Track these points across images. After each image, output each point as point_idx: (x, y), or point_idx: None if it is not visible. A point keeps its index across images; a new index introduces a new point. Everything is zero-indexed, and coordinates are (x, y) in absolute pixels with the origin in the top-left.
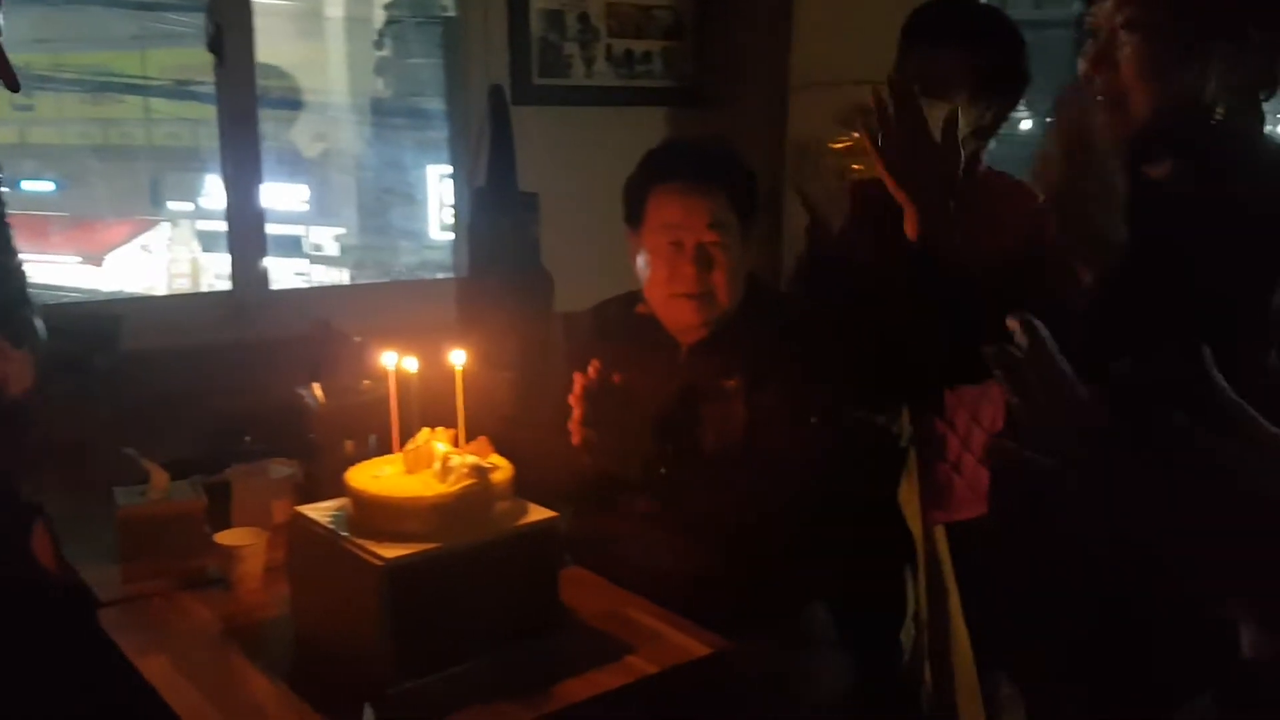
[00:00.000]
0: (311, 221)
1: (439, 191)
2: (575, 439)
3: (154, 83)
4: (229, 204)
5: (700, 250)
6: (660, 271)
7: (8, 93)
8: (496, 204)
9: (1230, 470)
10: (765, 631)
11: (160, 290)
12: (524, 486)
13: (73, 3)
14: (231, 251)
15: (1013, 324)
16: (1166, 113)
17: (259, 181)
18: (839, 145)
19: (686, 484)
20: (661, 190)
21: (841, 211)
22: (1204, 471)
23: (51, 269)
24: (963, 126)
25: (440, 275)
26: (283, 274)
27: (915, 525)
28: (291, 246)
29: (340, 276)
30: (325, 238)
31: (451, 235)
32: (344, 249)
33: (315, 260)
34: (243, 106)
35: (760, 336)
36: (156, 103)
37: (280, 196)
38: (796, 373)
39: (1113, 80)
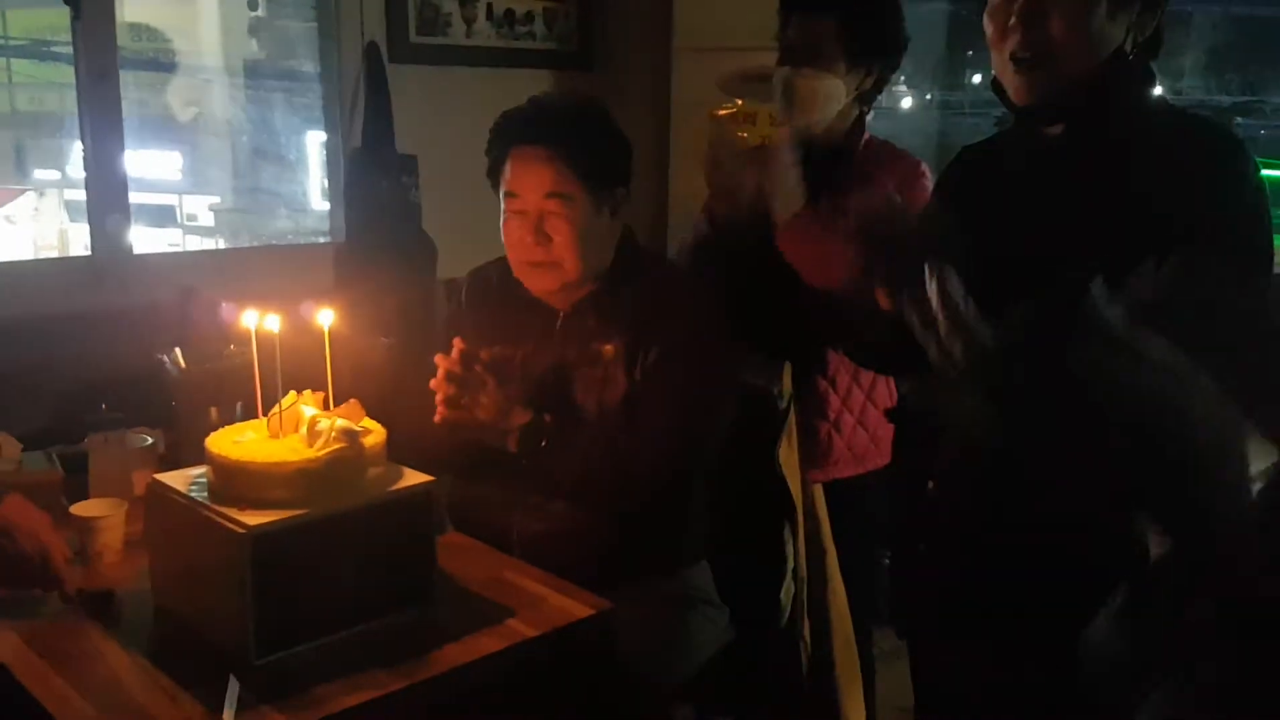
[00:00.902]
0: (185, 190)
1: (317, 157)
2: (438, 417)
3: (13, 43)
4: (87, 164)
5: (541, 219)
6: (508, 238)
7: None
8: (374, 166)
9: (1122, 383)
10: (645, 590)
11: (27, 259)
12: (400, 452)
13: None
14: (90, 214)
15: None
16: (1087, 73)
17: (120, 141)
18: (723, 112)
19: (565, 449)
20: (508, 155)
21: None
22: (1098, 385)
23: None
24: (844, 93)
25: (318, 240)
26: (156, 244)
27: (794, 484)
28: (165, 216)
29: (216, 246)
30: (199, 207)
31: (329, 202)
32: (219, 217)
33: (189, 230)
34: (102, 63)
35: (638, 300)
36: (19, 65)
37: (152, 164)
38: (678, 335)
39: (1040, 37)
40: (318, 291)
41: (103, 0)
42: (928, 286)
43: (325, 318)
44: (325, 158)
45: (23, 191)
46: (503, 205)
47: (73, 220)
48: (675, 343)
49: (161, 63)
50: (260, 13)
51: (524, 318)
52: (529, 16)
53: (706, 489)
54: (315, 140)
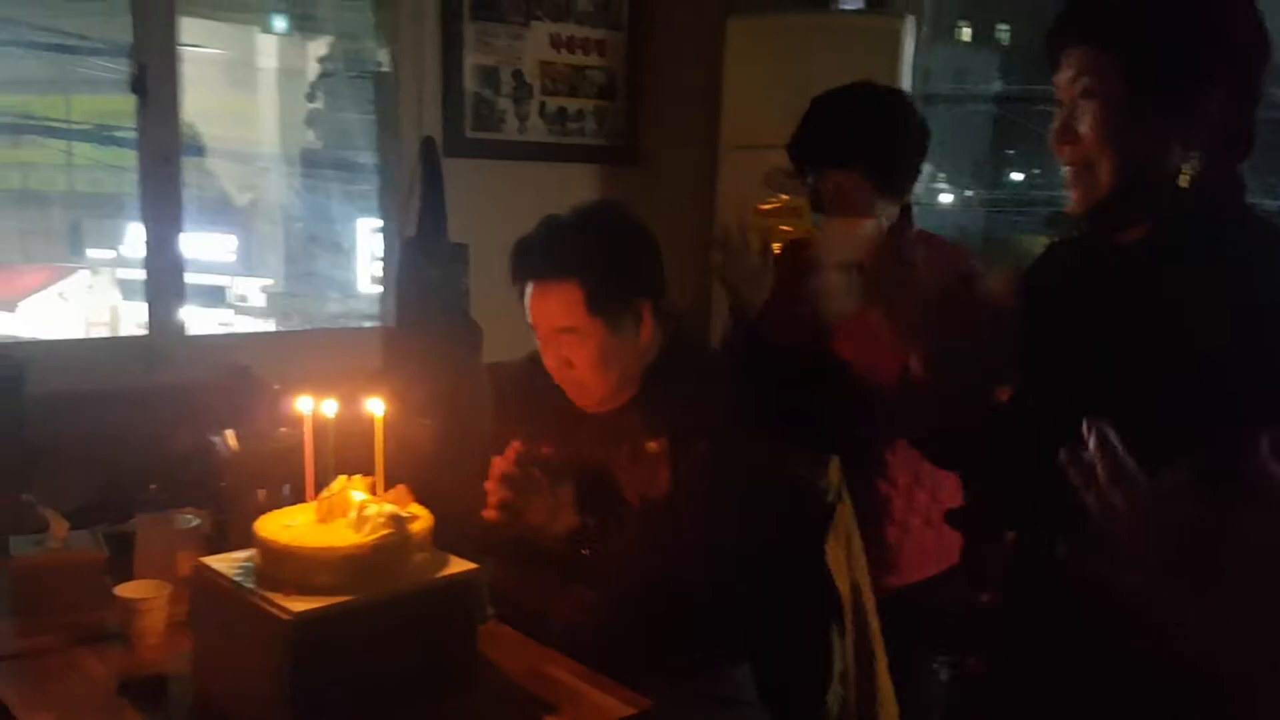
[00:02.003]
0: (238, 272)
1: (368, 243)
2: (489, 515)
3: (76, 127)
4: (148, 246)
5: (557, 346)
6: (543, 358)
7: None
8: (426, 254)
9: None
10: (686, 689)
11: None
12: (444, 538)
13: (23, 46)
14: (148, 295)
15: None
16: (1128, 179)
17: (178, 224)
18: (767, 206)
19: (608, 547)
20: (525, 287)
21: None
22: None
23: None
24: (882, 226)
25: (367, 324)
26: (208, 324)
27: (843, 582)
28: (217, 297)
29: (266, 328)
30: (251, 289)
31: (380, 287)
32: (270, 300)
33: (240, 311)
34: (164, 149)
35: (681, 398)
36: (79, 148)
37: (206, 246)
38: (721, 433)
39: (1078, 149)
40: (366, 374)
41: (168, 90)
42: (1087, 442)
43: (376, 406)
44: (382, 244)
45: (77, 270)
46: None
47: (125, 299)
48: (718, 440)
49: (220, 149)
50: (318, 105)
51: (569, 415)
52: (580, 114)
53: (750, 586)
54: (365, 227)
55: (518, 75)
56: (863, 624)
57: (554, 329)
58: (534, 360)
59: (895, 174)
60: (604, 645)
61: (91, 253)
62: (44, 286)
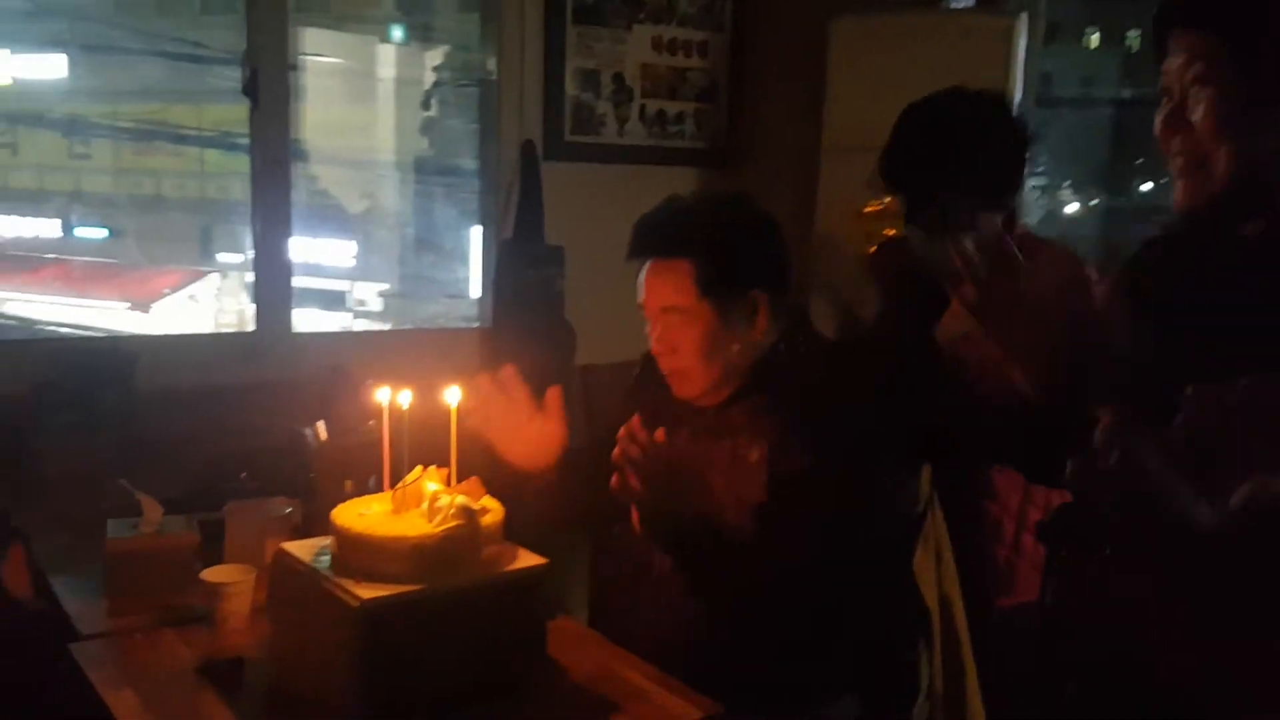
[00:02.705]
0: (356, 277)
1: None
2: (629, 487)
3: (206, 135)
4: (257, 246)
5: (663, 328)
6: (651, 342)
7: (66, 141)
8: (523, 256)
9: None
10: (770, 703)
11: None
12: (520, 530)
13: (133, 55)
14: (256, 291)
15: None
16: (1248, 169)
17: (287, 225)
18: (870, 210)
19: (699, 548)
20: (641, 264)
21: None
22: None
23: (97, 313)
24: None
25: (463, 325)
26: (327, 326)
27: (931, 596)
28: (336, 301)
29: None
30: (369, 293)
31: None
32: (386, 303)
33: (359, 314)
34: (274, 151)
35: (787, 402)
36: (210, 156)
37: (327, 252)
38: (825, 442)
39: (1189, 139)
40: (463, 374)
41: (279, 94)
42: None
43: (452, 395)
44: (481, 248)
45: (207, 273)
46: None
47: (252, 302)
48: (821, 450)
49: (340, 158)
50: (432, 112)
51: (671, 408)
52: (680, 117)
53: (839, 597)
54: (474, 232)
55: (618, 78)
56: (952, 639)
57: (661, 307)
58: (641, 359)
59: (990, 183)
60: (693, 653)
61: (221, 257)
62: (176, 289)
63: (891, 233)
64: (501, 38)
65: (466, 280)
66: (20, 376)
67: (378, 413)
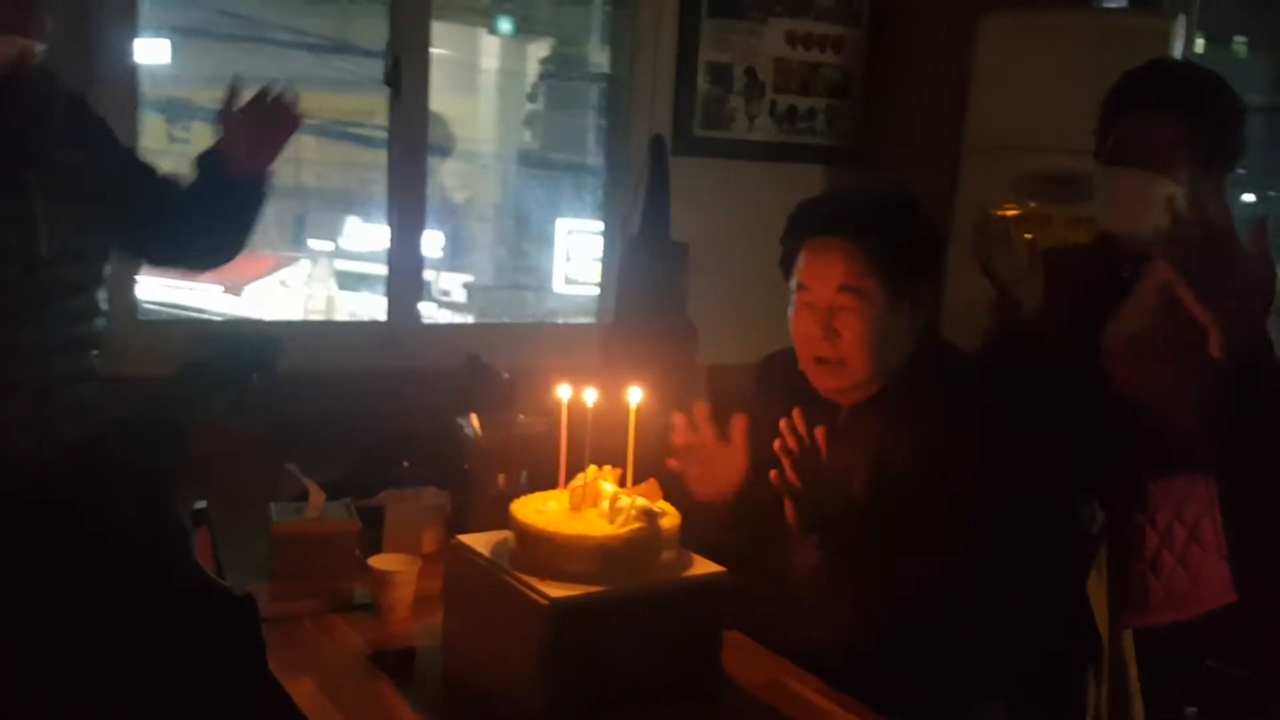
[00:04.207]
0: (443, 267)
1: (579, 243)
2: (789, 482)
3: (309, 123)
4: (393, 238)
5: (830, 314)
6: (796, 330)
7: (166, 124)
8: (649, 253)
9: None
10: (916, 706)
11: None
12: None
13: (235, 40)
14: (390, 283)
15: None
16: None
17: (422, 218)
18: (1009, 213)
19: (839, 551)
20: (803, 245)
21: (1030, 286)
22: None
23: (192, 295)
24: (1180, 199)
25: (583, 320)
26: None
27: (1102, 621)
28: (428, 290)
29: (466, 321)
30: (454, 284)
31: (588, 285)
32: (472, 294)
33: (442, 305)
34: (413, 144)
35: (930, 403)
36: (307, 141)
37: (426, 240)
38: (972, 448)
39: None
40: (581, 368)
41: (419, 83)
42: None
43: (634, 395)
44: (602, 243)
45: (298, 259)
46: (793, 296)
47: (340, 289)
48: (967, 455)
49: (443, 148)
50: (538, 106)
51: (812, 404)
52: (812, 113)
53: (1001, 616)
54: (570, 226)
55: (750, 72)
56: (1120, 666)
57: (835, 287)
58: (774, 356)
59: (1219, 136)
60: (841, 664)
61: (312, 243)
62: (268, 273)
63: (1031, 237)
64: (633, 28)
65: (559, 274)
66: (168, 357)
67: (529, 408)
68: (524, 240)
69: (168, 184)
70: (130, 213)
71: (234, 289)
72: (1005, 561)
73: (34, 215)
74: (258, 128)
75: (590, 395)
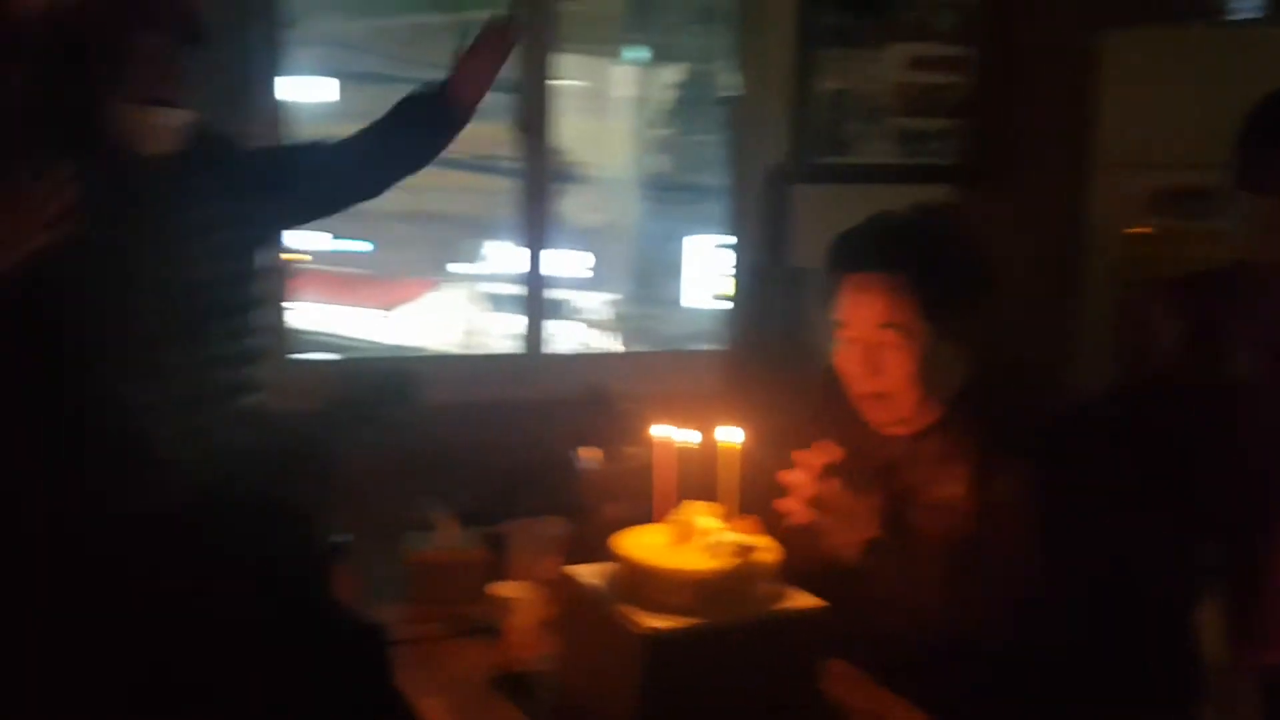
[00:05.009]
0: (586, 288)
1: (709, 264)
2: (797, 517)
3: (456, 155)
4: (525, 272)
5: (873, 350)
6: (840, 366)
7: None
8: (769, 279)
9: None
10: None
11: (441, 344)
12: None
13: (397, 81)
14: (526, 314)
15: None
16: None
17: (549, 248)
18: (1136, 232)
19: (901, 577)
20: (841, 281)
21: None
22: None
23: (351, 320)
24: None
25: (706, 346)
26: (556, 336)
27: (1217, 653)
28: (564, 311)
29: (609, 342)
30: (597, 304)
31: (718, 307)
32: (616, 316)
33: (582, 325)
34: (539, 180)
35: (989, 431)
36: (451, 174)
37: (559, 263)
38: (1035, 476)
39: None
40: (705, 395)
41: (543, 124)
42: None
43: (731, 434)
44: (720, 264)
45: (438, 284)
46: (836, 332)
47: (484, 312)
48: (1031, 485)
49: (573, 174)
50: (670, 130)
51: (866, 432)
52: (932, 134)
53: (1099, 652)
54: (705, 247)
55: (870, 97)
56: (1244, 705)
57: (875, 324)
58: (822, 375)
59: None
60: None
61: (452, 268)
62: (417, 297)
63: (1160, 259)
64: (751, 55)
65: (696, 298)
66: (316, 394)
67: (641, 439)
68: (666, 262)
69: (308, 149)
70: (279, 202)
71: (385, 313)
72: (1064, 587)
73: (190, 246)
74: (484, 58)
75: (686, 434)
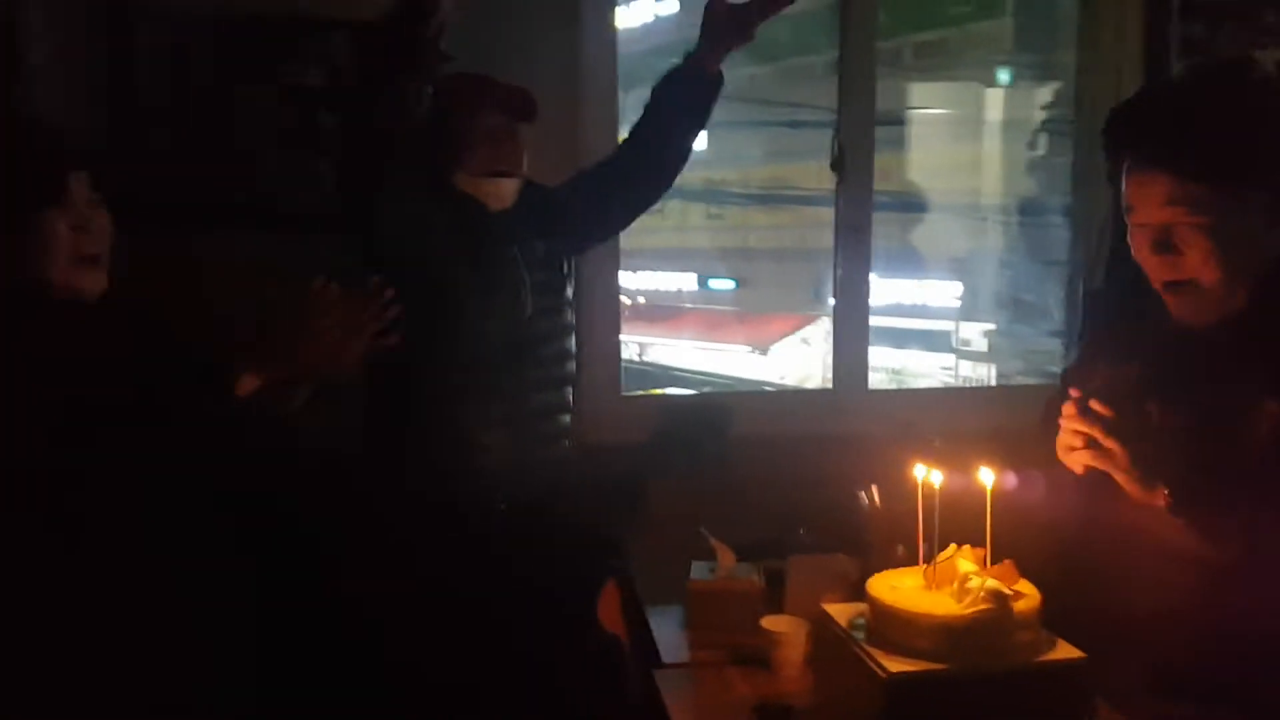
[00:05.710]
0: (960, 317)
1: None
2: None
3: (812, 193)
4: (836, 311)
5: (1165, 232)
6: (1136, 257)
7: (703, 205)
8: (1111, 307)
9: None
10: None
11: (815, 379)
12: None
13: (762, 126)
14: (835, 352)
15: None
16: None
17: (865, 287)
18: None
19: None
20: (1121, 161)
21: None
22: None
23: (723, 357)
24: None
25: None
26: (930, 367)
27: None
28: (941, 341)
29: (983, 371)
30: (974, 333)
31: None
32: (991, 344)
33: (962, 355)
34: (858, 216)
35: None
36: (820, 211)
37: (933, 293)
38: None
39: None
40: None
41: (864, 163)
42: None
43: (986, 476)
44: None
45: (817, 318)
46: (1127, 218)
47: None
48: None
49: (943, 202)
50: (1040, 152)
51: (1163, 334)
52: None
53: None
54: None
55: None
56: None
57: (1160, 203)
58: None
59: None
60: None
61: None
62: (790, 333)
63: None
64: (1096, 72)
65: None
66: (642, 427)
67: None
68: (1037, 289)
69: (593, 175)
70: (583, 226)
71: (760, 349)
72: None
73: (520, 283)
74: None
75: (937, 477)
